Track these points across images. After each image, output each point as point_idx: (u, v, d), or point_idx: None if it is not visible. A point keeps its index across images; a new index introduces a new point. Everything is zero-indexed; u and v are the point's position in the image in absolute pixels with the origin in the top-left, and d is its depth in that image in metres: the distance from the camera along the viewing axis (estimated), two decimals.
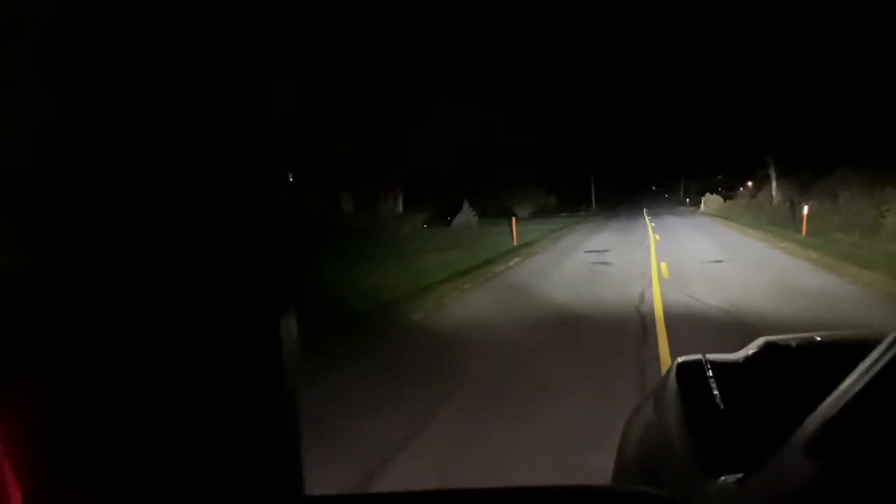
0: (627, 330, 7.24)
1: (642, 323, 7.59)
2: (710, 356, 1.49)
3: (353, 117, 22.39)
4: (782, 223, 25.20)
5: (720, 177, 70.10)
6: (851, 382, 0.68)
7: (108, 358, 0.53)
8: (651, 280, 11.16)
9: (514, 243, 22.05)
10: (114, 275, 0.58)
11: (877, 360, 0.66)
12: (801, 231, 20.93)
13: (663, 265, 12.97)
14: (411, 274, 13.76)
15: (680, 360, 1.52)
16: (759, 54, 30.25)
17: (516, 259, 16.51)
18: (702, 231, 24.69)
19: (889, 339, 0.66)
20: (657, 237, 21.43)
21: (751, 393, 1.30)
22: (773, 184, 32.09)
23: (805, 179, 27.83)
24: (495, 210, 49.79)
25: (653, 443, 1.45)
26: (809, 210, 23.00)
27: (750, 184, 49.62)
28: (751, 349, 1.49)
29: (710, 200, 50.18)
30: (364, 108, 22.73)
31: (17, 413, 0.48)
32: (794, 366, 1.41)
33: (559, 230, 29.72)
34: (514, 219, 23.64)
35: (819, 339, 1.58)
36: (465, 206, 33.49)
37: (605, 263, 14.03)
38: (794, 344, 1.52)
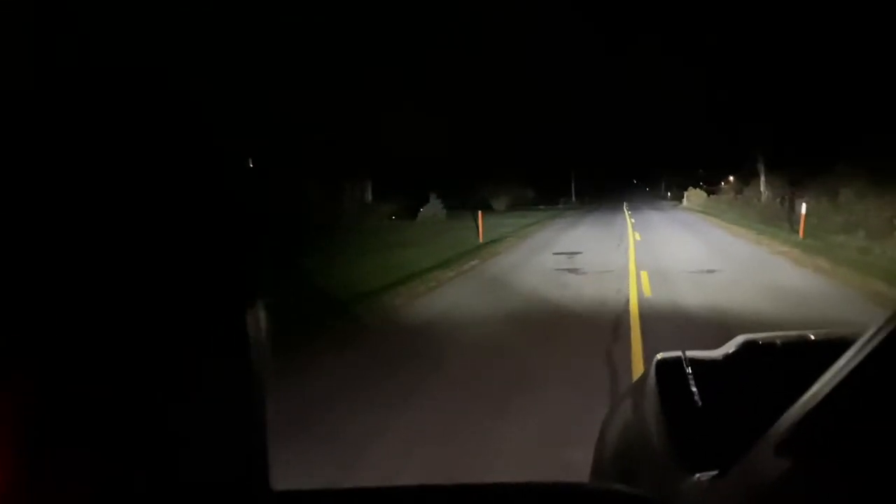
0: (587, 405, 4.24)
1: (612, 380, 5.12)
2: (690, 353, 1.49)
3: (319, 102, 21.50)
4: (774, 222, 22.97)
5: (701, 171, 68.40)
6: (824, 383, 0.70)
7: (70, 352, 0.51)
8: (629, 299, 8.70)
9: (480, 240, 19.68)
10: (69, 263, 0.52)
11: (849, 361, 0.66)
12: (797, 231, 18.69)
13: (644, 276, 10.53)
14: (351, 277, 11.36)
15: (659, 356, 1.52)
16: (745, 43, 27.91)
17: (474, 262, 14.01)
18: (687, 229, 22.33)
19: (861, 340, 0.67)
20: (637, 236, 19.07)
21: (729, 391, 1.31)
22: (762, 179, 29.90)
23: (797, 175, 25.64)
24: (473, 202, 47.67)
25: (631, 439, 1.45)
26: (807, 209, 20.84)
27: (732, 178, 47.66)
28: (731, 347, 1.51)
29: (693, 195, 48.04)
30: (332, 94, 21.71)
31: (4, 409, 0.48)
32: (773, 364, 1.46)
33: (532, 225, 27.31)
34: (480, 213, 21.11)
35: (798, 337, 1.65)
36: (433, 198, 30.98)
37: (574, 271, 11.56)
38: (773, 342, 1.60)
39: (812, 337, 1.66)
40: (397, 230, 25.76)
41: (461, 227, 23.12)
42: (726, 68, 30.33)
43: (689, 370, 1.38)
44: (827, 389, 0.67)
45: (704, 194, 45.17)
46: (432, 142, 35.32)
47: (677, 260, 12.80)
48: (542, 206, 53.73)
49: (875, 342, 0.64)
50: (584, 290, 9.74)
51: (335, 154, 27.74)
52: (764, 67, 26.97)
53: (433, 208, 30.65)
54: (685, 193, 51.04)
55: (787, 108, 25.92)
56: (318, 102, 21.60)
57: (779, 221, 23.29)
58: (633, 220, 27.85)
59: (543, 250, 15.85)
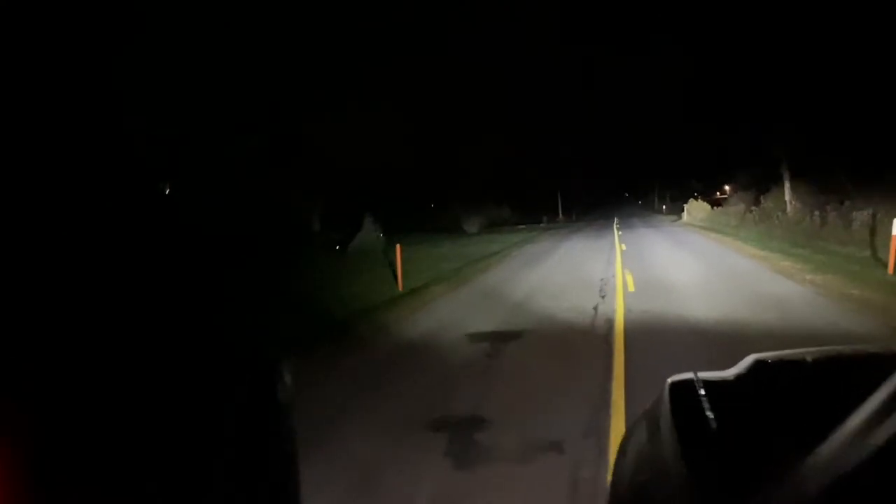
0: None
1: None
2: (702, 374, 1.48)
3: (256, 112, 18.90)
4: (818, 245, 16.36)
5: (694, 181, 61.99)
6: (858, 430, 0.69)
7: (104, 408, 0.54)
8: None
9: (400, 288, 13.24)
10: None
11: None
12: (881, 263, 12.12)
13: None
14: None
15: (671, 380, 1.51)
16: (753, 21, 21.43)
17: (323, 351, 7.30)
18: (706, 263, 15.46)
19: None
20: (628, 278, 12.30)
21: (744, 412, 1.29)
22: (787, 185, 23.30)
23: (836, 181, 19.10)
24: (442, 223, 41.36)
25: (646, 466, 1.44)
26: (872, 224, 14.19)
27: (727, 188, 41.14)
28: (742, 367, 1.50)
29: (695, 208, 41.37)
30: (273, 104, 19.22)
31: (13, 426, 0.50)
32: (786, 383, 1.43)
33: (491, 257, 20.57)
34: (398, 247, 14.48)
35: (807, 355, 1.60)
36: (368, 222, 24.30)
37: (480, 431, 4.88)
38: (784, 360, 1.57)
39: (822, 355, 1.63)
40: (314, 266, 19.22)
41: (393, 261, 16.31)
42: (730, 55, 23.83)
43: (703, 392, 1.38)
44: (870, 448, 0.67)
45: (707, 207, 38.54)
46: (392, 156, 29.41)
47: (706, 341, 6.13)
48: (522, 226, 47.37)
49: None
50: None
51: (276, 173, 22.45)
52: (776, 48, 20.46)
53: (368, 235, 23.97)
54: (685, 206, 44.34)
55: (815, 99, 19.46)
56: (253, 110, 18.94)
57: (823, 243, 16.71)
58: (623, 246, 21.07)
59: (469, 317, 9.13)
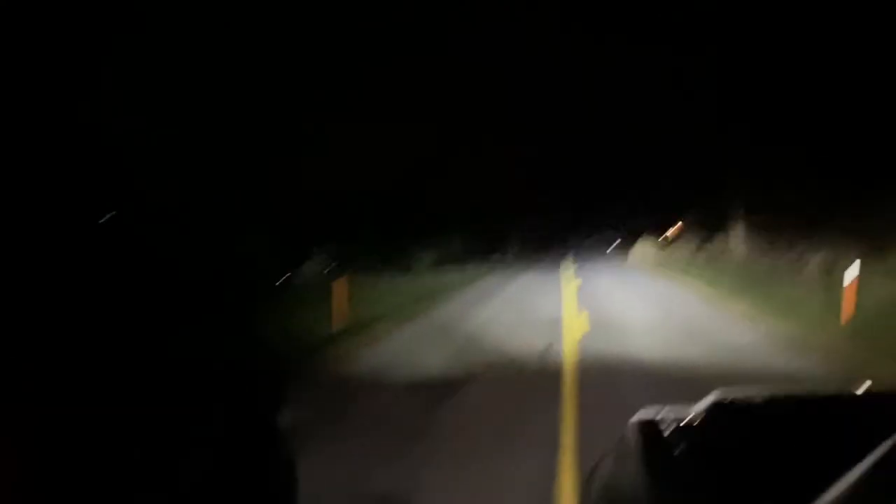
0: None
1: None
2: (668, 410, 1.50)
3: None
4: (779, 290, 15.97)
5: (642, 219, 62.66)
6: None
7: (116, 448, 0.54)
8: None
9: (333, 328, 12.25)
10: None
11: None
12: (833, 312, 11.65)
13: None
14: None
15: (638, 415, 1.53)
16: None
17: None
18: (657, 304, 14.85)
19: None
20: (581, 319, 11.54)
21: (709, 448, 1.30)
22: (738, 226, 23.15)
23: (792, 223, 18.92)
24: (401, 256, 40.35)
25: (615, 500, 1.44)
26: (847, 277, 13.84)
27: (676, 227, 41.42)
28: (707, 402, 1.50)
29: (644, 246, 41.45)
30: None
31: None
32: (750, 419, 1.46)
33: (445, 291, 19.64)
34: (338, 283, 13.47)
35: (769, 392, 1.65)
36: (315, 254, 23.05)
37: None
38: (748, 397, 1.61)
39: (783, 394, 1.68)
40: (251, 300, 17.83)
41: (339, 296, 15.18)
42: (674, 99, 23.78)
43: (669, 427, 1.38)
44: None
45: (657, 245, 38.57)
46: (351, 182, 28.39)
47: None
48: (474, 260, 46.72)
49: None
50: None
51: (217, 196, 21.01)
52: (721, 92, 20.44)
53: (314, 268, 22.70)
54: (635, 245, 44.42)
55: (768, 141, 19.40)
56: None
57: (776, 287, 16.34)
58: (576, 283, 20.50)
59: (407, 362, 8.16)
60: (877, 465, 0.73)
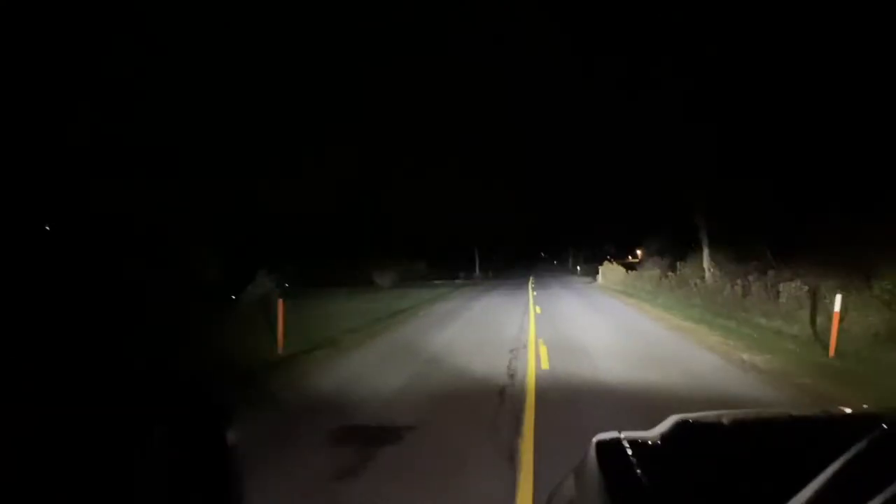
0: None
1: None
2: (627, 434, 1.48)
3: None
4: (750, 318, 15.22)
5: (608, 244, 62.54)
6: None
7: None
8: None
9: (280, 350, 11.11)
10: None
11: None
12: (820, 342, 10.90)
13: None
14: None
15: (597, 438, 1.50)
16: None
17: None
18: (627, 336, 13.96)
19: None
20: (542, 351, 10.56)
21: (669, 471, 1.30)
22: (705, 252, 22.57)
23: (760, 250, 18.34)
24: (358, 276, 39.12)
25: None
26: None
27: (639, 252, 40.99)
28: (665, 426, 1.51)
29: (610, 271, 40.83)
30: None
31: None
32: (707, 443, 1.46)
33: (400, 314, 18.51)
34: (281, 303, 12.29)
35: (725, 417, 1.62)
36: (261, 274, 21.84)
37: None
38: (705, 422, 1.60)
39: (741, 416, 1.67)
40: (192, 319, 16.55)
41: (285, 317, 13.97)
42: (644, 125, 23.25)
43: (629, 451, 1.37)
44: None
45: (622, 269, 38.00)
46: (303, 204, 27.20)
47: None
48: (438, 282, 45.76)
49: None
50: None
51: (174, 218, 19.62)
52: (691, 119, 19.92)
53: (260, 288, 21.47)
54: (600, 269, 43.85)
55: (734, 168, 18.90)
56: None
57: (746, 314, 15.64)
58: (537, 309, 19.57)
59: (352, 393, 7.03)
60: (828, 484, 0.78)
